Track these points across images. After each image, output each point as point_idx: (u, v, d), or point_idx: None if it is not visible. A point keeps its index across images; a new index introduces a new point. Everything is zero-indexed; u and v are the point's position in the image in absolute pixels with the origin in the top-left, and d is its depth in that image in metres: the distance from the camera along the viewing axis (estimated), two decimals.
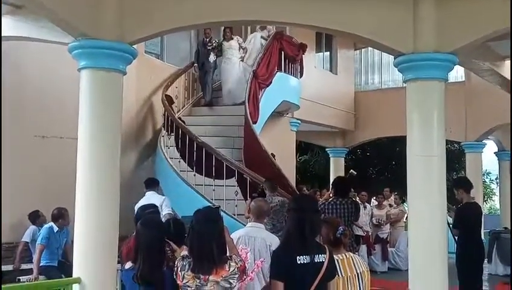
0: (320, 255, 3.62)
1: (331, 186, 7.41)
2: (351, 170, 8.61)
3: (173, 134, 10.02)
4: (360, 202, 11.20)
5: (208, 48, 11.59)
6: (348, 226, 6.79)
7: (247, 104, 10.31)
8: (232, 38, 11.77)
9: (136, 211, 5.70)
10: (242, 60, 11.79)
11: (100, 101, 5.54)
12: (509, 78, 9.27)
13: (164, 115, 10.54)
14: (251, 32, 12.60)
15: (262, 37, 12.11)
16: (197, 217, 3.65)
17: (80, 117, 5.54)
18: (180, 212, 8.32)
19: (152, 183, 8.38)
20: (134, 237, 4.27)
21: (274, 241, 5.10)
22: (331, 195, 7.34)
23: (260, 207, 5.30)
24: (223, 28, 11.76)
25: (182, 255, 3.76)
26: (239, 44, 11.83)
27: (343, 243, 3.99)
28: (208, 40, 11.67)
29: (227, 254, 3.70)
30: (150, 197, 7.90)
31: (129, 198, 7.86)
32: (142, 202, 7.45)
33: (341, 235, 3.94)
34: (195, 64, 11.96)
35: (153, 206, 5.64)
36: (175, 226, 4.73)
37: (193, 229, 3.60)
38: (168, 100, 10.74)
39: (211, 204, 7.40)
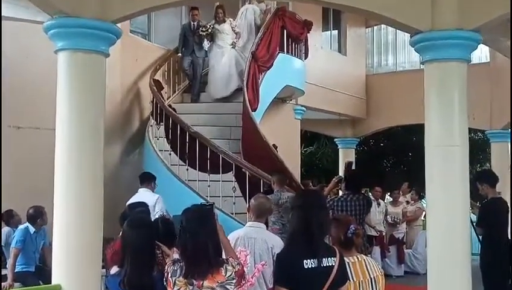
0: (329, 258, 3.61)
1: (342, 179, 7.41)
2: (347, 159, 8.67)
3: (163, 123, 10.01)
4: (373, 198, 11.22)
5: (202, 33, 11.33)
6: (360, 225, 6.81)
7: (245, 89, 10.30)
8: (225, 21, 11.45)
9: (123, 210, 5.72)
10: (234, 47, 11.49)
11: (80, 87, 5.53)
12: None
13: (152, 102, 10.52)
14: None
15: (256, 10, 11.93)
16: (187, 216, 3.66)
17: (58, 105, 5.53)
18: (171, 211, 8.30)
19: (145, 179, 8.36)
20: (121, 238, 4.27)
21: (277, 243, 5.11)
22: (339, 185, 7.36)
23: (261, 205, 5.30)
24: (215, 7, 11.50)
25: (172, 259, 3.77)
26: (232, 28, 11.53)
27: (355, 244, 3.99)
28: (196, 24, 11.41)
29: (223, 257, 3.71)
30: (142, 195, 7.89)
31: (114, 195, 7.86)
32: (133, 199, 7.46)
33: (353, 235, 3.93)
34: (179, 54, 11.65)
35: (143, 204, 5.64)
36: (164, 226, 4.73)
37: (184, 229, 3.60)
38: (157, 85, 10.72)
39: (205, 201, 7.42)
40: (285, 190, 7.61)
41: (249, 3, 12.28)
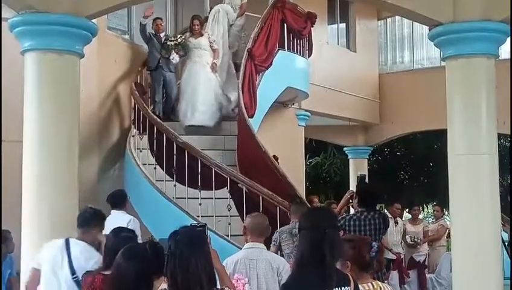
0: (343, 287, 3.60)
1: (355, 194, 7.41)
2: (360, 172, 8.65)
3: (146, 133, 10.01)
4: (390, 216, 11.20)
5: (169, 43, 10.96)
6: None
7: (240, 93, 10.31)
8: (202, 35, 11.13)
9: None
10: (215, 72, 11.07)
11: (51, 93, 5.53)
12: None
13: (134, 109, 10.53)
14: None
15: (228, 11, 11.72)
16: (176, 240, 3.64)
17: (25, 114, 5.53)
18: (157, 235, 8.29)
19: (116, 200, 8.18)
20: (111, 274, 4.16)
21: (282, 263, 5.20)
22: (351, 201, 7.33)
23: (260, 223, 5.38)
24: (190, 18, 11.30)
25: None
26: (210, 43, 11.15)
27: (379, 262, 3.99)
28: (160, 34, 11.11)
29: (218, 286, 3.70)
30: (115, 218, 7.76)
31: None
32: (108, 224, 7.39)
33: (377, 253, 3.93)
34: (148, 67, 11.27)
35: (128, 229, 5.59)
36: (153, 252, 4.70)
37: (173, 256, 3.58)
38: (139, 90, 10.72)
39: (196, 222, 7.41)
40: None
41: (221, 4, 11.98)
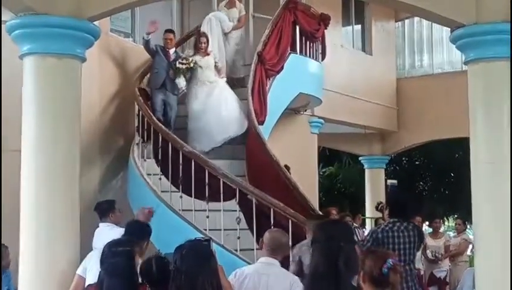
0: None
1: (385, 205, 7.34)
2: (389, 181, 8.56)
3: (151, 141, 10.01)
4: None
5: (179, 66, 10.53)
6: (409, 263, 6.69)
7: (250, 99, 10.30)
8: (209, 54, 10.75)
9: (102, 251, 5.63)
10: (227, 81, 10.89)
11: (51, 99, 5.55)
12: None
13: (138, 115, 10.53)
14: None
15: (221, 18, 11.58)
16: (182, 255, 3.65)
17: (24, 122, 5.54)
18: (162, 248, 8.28)
19: (102, 211, 7.95)
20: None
21: (295, 281, 5.18)
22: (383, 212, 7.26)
23: (276, 239, 5.37)
24: (196, 34, 11.05)
25: None
26: (215, 62, 10.85)
27: (391, 283, 3.93)
28: (173, 52, 10.81)
29: None
30: (104, 232, 7.55)
31: (92, 230, 7.85)
32: (96, 238, 7.31)
33: (389, 270, 3.88)
34: (150, 84, 10.99)
35: (126, 242, 5.55)
36: (159, 266, 4.71)
37: (178, 271, 3.58)
38: (143, 95, 10.73)
39: (203, 236, 7.40)
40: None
41: (219, 9, 11.93)
